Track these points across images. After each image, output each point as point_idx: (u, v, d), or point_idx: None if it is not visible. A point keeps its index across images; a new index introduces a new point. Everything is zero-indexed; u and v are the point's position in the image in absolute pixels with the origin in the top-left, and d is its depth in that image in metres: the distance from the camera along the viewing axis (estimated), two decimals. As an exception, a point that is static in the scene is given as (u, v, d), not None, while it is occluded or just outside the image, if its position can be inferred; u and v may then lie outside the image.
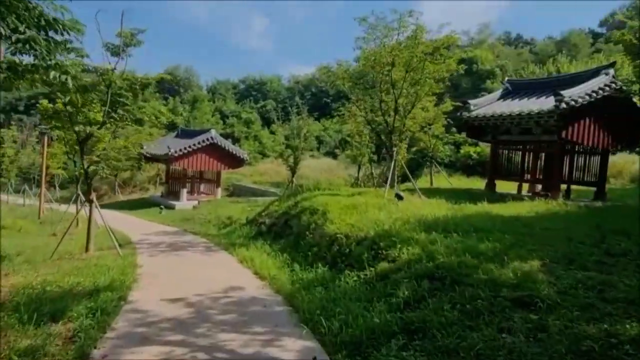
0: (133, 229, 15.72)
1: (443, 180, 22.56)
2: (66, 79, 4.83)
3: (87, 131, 10.05)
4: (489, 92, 25.89)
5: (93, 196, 10.62)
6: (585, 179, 15.40)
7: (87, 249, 10.49)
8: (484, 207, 10.85)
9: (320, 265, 7.38)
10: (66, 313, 5.13)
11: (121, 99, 10.18)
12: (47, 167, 23.80)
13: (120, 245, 11.58)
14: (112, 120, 10.20)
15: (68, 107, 10.02)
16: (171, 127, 38.98)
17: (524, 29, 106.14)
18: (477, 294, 4.68)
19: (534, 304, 4.35)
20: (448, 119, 20.39)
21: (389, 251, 6.45)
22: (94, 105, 9.66)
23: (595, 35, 59.55)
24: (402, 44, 11.86)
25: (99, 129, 10.04)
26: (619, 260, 6.20)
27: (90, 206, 10.65)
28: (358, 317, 4.67)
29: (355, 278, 6.20)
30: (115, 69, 9.71)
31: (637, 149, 22.05)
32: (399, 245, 6.44)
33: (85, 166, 10.30)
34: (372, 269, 6.20)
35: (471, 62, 40.14)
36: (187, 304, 5.99)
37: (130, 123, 10.70)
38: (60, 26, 5.08)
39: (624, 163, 24.09)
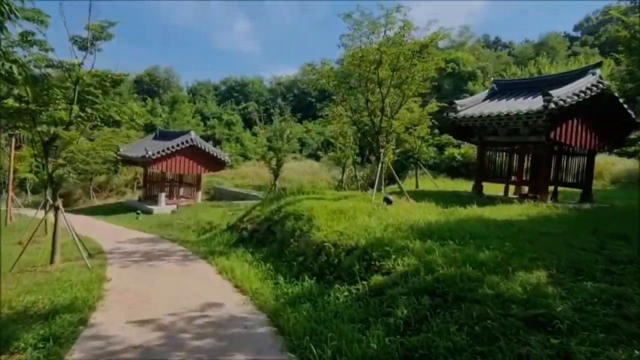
0: (106, 236, 14.84)
1: (428, 182, 22.27)
2: (11, 67, 4.13)
3: (52, 132, 9.20)
4: (471, 94, 25.82)
5: (59, 202, 9.76)
6: (572, 180, 15.27)
7: (52, 261, 9.64)
8: (474, 210, 10.47)
9: (306, 277, 6.77)
10: (12, 343, 4.39)
11: (90, 97, 9.41)
12: (15, 171, 22.50)
13: (89, 255, 10.75)
14: (79, 120, 9.38)
15: (31, 105, 9.18)
16: (150, 128, 37.79)
17: (502, 32, 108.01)
18: (485, 312, 4.18)
19: (551, 324, 3.87)
20: (433, 120, 20.08)
21: (383, 262, 5.90)
22: (57, 102, 8.84)
23: (571, 39, 61.02)
24: (390, 40, 11.39)
25: (65, 129, 9.19)
26: (625, 268, 5.84)
27: (56, 213, 9.80)
28: (353, 343, 4.10)
29: (346, 293, 5.63)
30: (82, 63, 8.93)
31: (617, 150, 22.25)
32: (393, 256, 5.90)
33: (50, 170, 9.45)
34: (364, 282, 5.64)
35: (453, 63, 40.25)
36: (158, 326, 5.29)
37: (100, 123, 9.88)
38: (6, 6, 4.36)
39: (604, 164, 24.30)
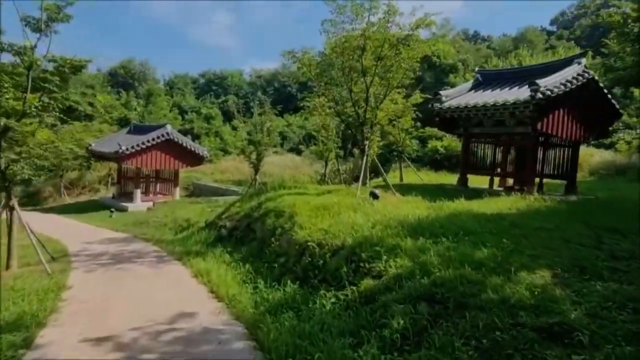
0: (74, 237, 13.90)
1: (412, 175, 21.92)
2: None
3: (2, 124, 8.26)
4: (452, 87, 25.51)
5: (14, 202, 8.88)
6: (556, 172, 15.10)
7: (7, 266, 8.78)
8: (462, 204, 10.08)
9: (289, 281, 6.16)
10: None
11: (46, 85, 8.51)
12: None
13: (52, 259, 9.92)
14: (35, 110, 8.47)
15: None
16: (124, 123, 36.37)
17: (480, 29, 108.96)
18: (493, 321, 3.68)
19: (569, 335, 3.39)
20: (417, 112, 19.68)
21: (373, 264, 5.35)
22: (4, 90, 7.91)
23: (548, 33, 61.94)
24: (374, 25, 10.81)
25: (17, 120, 8.27)
26: (629, 264, 5.51)
27: (11, 214, 8.92)
28: (344, 363, 3.54)
29: (333, 299, 5.05)
30: (35, 46, 8.03)
31: (594, 142, 22.35)
32: (384, 256, 5.35)
33: (2, 166, 8.53)
34: (353, 287, 5.07)
35: (434, 55, 39.99)
36: (117, 345, 4.60)
37: (58, 113, 8.99)
38: None
39: (583, 155, 24.44)
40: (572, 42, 51.14)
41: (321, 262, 6.14)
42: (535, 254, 5.70)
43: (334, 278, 5.60)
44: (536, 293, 4.12)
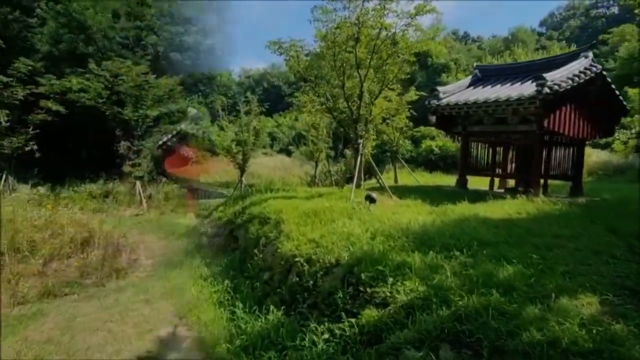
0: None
1: (406, 176, 20.98)
2: None
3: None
4: (444, 86, 24.75)
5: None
6: (561, 172, 14.28)
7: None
8: (467, 208, 9.14)
9: (272, 305, 5.10)
10: None
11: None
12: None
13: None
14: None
15: None
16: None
17: (469, 28, 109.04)
18: (546, 378, 2.69)
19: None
20: (411, 110, 18.78)
21: (376, 287, 4.31)
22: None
23: (538, 34, 62.11)
24: (370, 12, 9.82)
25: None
26: (684, 284, 4.56)
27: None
28: None
29: (326, 335, 4.00)
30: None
31: (589, 142, 21.69)
32: (390, 279, 4.32)
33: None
34: (352, 319, 4.02)
35: (426, 55, 39.37)
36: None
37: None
38: None
39: (581, 155, 23.92)
40: (564, 42, 51.02)
41: (311, 282, 5.06)
42: (569, 271, 4.74)
43: (328, 305, 4.54)
44: (594, 332, 3.13)
